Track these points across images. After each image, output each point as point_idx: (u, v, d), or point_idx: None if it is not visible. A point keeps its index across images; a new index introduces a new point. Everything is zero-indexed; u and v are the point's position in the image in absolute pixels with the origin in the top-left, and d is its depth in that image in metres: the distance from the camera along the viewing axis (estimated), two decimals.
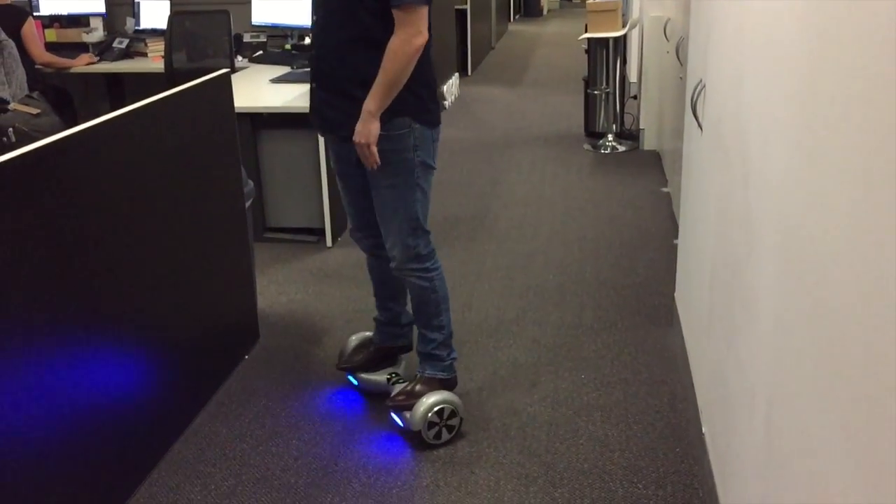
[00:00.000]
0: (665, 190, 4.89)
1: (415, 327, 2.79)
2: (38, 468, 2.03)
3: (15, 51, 4.60)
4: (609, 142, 5.87)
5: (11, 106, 3.78)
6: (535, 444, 2.62)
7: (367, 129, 2.36)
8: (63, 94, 5.32)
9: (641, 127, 5.83)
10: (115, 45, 5.75)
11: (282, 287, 3.78)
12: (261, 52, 5.55)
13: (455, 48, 8.12)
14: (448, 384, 2.69)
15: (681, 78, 3.94)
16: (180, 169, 2.65)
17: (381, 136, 2.38)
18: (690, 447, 2.57)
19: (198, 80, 2.77)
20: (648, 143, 5.79)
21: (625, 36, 5.93)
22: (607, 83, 5.90)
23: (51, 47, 5.66)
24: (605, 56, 5.84)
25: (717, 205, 2.31)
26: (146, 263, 2.46)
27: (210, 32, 5.22)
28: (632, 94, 6.26)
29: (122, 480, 2.39)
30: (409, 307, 2.80)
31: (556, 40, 11.30)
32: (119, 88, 6.18)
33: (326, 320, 3.46)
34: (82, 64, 5.56)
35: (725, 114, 2.24)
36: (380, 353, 2.89)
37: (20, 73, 4.61)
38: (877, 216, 1.04)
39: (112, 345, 2.31)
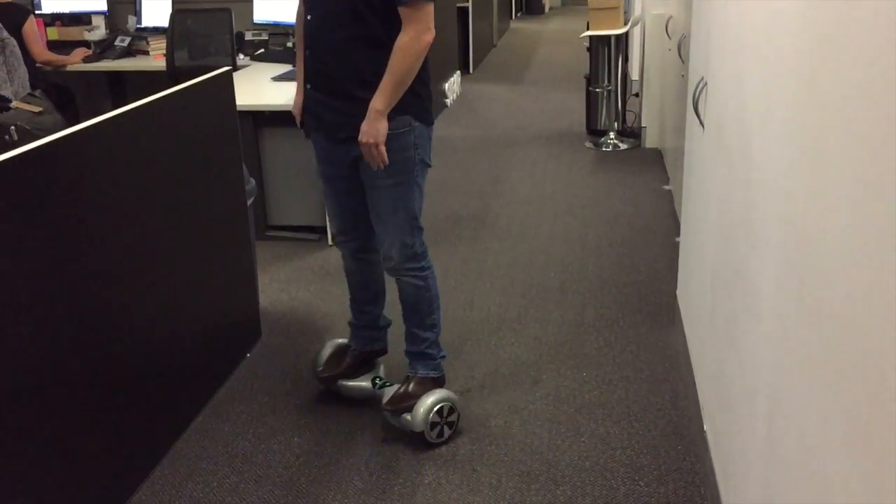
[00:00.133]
0: (667, 188, 4.88)
1: (387, 329, 2.83)
2: (39, 467, 2.04)
3: (17, 49, 4.60)
4: (611, 139, 5.86)
5: (14, 104, 3.79)
6: (537, 442, 2.62)
7: (376, 129, 2.34)
8: (65, 93, 5.33)
9: (643, 125, 5.82)
10: (116, 43, 5.75)
11: (283, 285, 3.78)
12: (262, 50, 5.55)
13: (457, 46, 8.12)
14: (439, 382, 2.69)
15: (682, 75, 3.94)
16: (182, 167, 2.65)
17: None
18: (692, 445, 2.57)
19: (199, 78, 2.77)
20: (650, 140, 5.79)
21: (627, 33, 5.92)
22: (609, 81, 5.89)
23: (52, 45, 5.67)
24: (607, 54, 5.84)
25: (719, 202, 2.31)
26: (148, 261, 2.47)
27: (212, 30, 5.22)
28: (633, 92, 6.26)
29: (124, 478, 2.40)
30: (385, 310, 2.82)
31: (557, 38, 11.29)
32: (121, 86, 6.19)
33: (328, 318, 3.46)
34: (78, 59, 5.55)
35: (727, 111, 2.24)
36: (359, 359, 2.84)
37: (22, 72, 4.62)
38: (878, 214, 1.04)
39: (114, 342, 2.31)
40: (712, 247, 2.41)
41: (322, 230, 4.24)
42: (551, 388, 2.90)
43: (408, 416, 2.58)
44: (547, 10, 14.57)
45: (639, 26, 6.29)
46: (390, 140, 2.38)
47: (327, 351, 2.88)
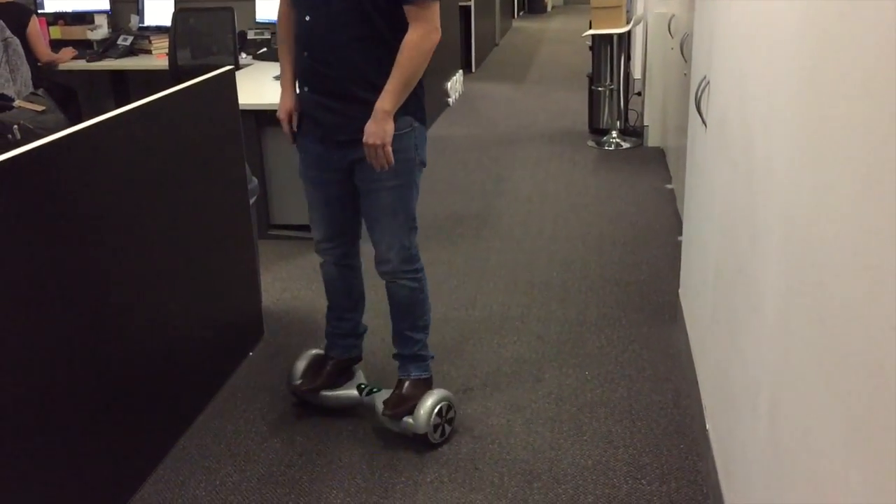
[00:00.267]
0: (669, 186, 4.88)
1: (363, 336, 2.81)
2: (42, 466, 2.04)
3: (20, 48, 4.62)
4: (613, 138, 5.86)
5: (16, 103, 3.79)
6: (539, 441, 2.62)
7: (383, 129, 2.30)
8: (68, 92, 5.34)
9: (645, 123, 5.82)
10: (119, 42, 5.76)
11: (286, 284, 3.78)
12: (265, 49, 5.55)
13: (459, 45, 8.12)
14: (429, 383, 2.68)
15: (685, 74, 3.93)
16: (184, 166, 2.66)
17: None
18: (694, 443, 2.57)
19: (202, 77, 2.77)
20: (652, 139, 5.79)
21: (629, 32, 5.92)
22: (611, 80, 5.89)
23: (56, 44, 5.68)
24: (610, 52, 5.84)
25: (721, 201, 2.31)
26: (151, 260, 2.47)
27: (214, 29, 5.22)
28: (636, 91, 6.25)
29: (127, 476, 2.40)
30: (364, 317, 2.79)
31: (560, 37, 11.29)
32: (123, 85, 6.20)
33: None
34: (67, 57, 5.57)
35: (729, 110, 2.24)
36: (338, 368, 2.76)
37: (25, 71, 4.63)
38: (880, 212, 1.04)
39: (117, 341, 2.32)
40: (714, 245, 2.41)
41: None
42: (553, 387, 2.91)
43: (409, 420, 2.56)
44: (549, 8, 14.57)
45: (641, 25, 6.29)
46: (394, 141, 2.35)
47: (302, 363, 2.77)
